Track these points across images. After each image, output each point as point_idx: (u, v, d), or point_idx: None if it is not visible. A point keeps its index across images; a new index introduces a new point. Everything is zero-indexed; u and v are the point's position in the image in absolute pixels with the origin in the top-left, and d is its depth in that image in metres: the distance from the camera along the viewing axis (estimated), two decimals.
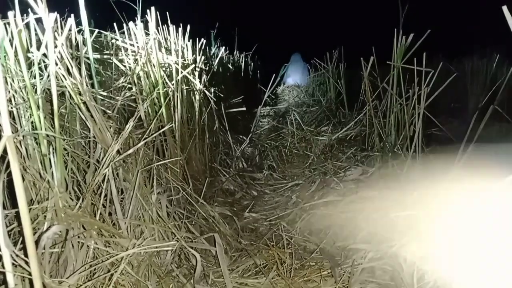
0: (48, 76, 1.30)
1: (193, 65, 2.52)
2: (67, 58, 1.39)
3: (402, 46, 2.49)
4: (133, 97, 2.07)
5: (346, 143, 3.20)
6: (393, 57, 2.54)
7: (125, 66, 2.10)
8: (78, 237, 1.31)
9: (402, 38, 2.49)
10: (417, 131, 2.35)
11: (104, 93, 1.66)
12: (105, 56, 2.14)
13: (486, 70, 3.95)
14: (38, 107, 1.26)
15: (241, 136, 3.76)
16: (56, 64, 1.33)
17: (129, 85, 2.09)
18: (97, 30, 1.99)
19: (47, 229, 1.22)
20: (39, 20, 1.34)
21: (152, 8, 2.06)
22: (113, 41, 2.15)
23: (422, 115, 2.32)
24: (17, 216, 1.24)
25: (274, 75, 3.62)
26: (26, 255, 0.97)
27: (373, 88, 2.77)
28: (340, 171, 2.68)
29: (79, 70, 1.49)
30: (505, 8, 1.12)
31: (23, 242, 0.97)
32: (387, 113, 2.64)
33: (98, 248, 1.35)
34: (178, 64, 2.28)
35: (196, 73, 2.72)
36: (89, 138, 1.51)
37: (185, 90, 2.52)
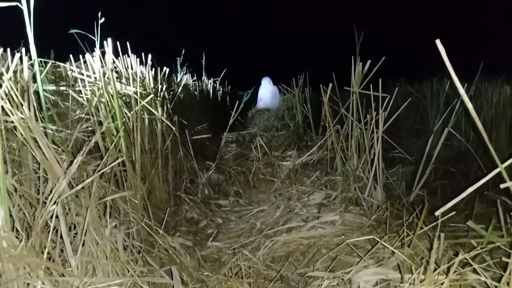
0: None
1: (152, 95, 2.52)
2: (15, 93, 1.37)
3: (359, 73, 2.56)
4: (90, 128, 2.04)
5: (311, 167, 3.23)
6: (351, 83, 2.61)
7: (82, 97, 2.09)
8: (24, 277, 1.27)
9: (359, 65, 2.56)
10: (376, 154, 2.40)
11: (54, 127, 1.63)
12: (61, 88, 2.11)
13: (440, 93, 4.11)
14: None
15: (208, 162, 3.74)
16: (2, 99, 1.31)
17: (87, 116, 2.07)
18: (51, 62, 1.98)
19: None
20: None
21: (109, 39, 2.06)
22: (69, 72, 2.14)
23: (381, 138, 2.38)
24: None
25: (237, 101, 3.66)
26: None
27: (335, 113, 2.82)
28: (304, 196, 2.69)
29: (29, 104, 1.47)
30: (438, 42, 1.17)
31: None
32: (348, 137, 2.68)
33: None
34: (137, 94, 2.27)
35: (158, 102, 2.72)
36: (39, 173, 1.47)
37: (146, 119, 2.51)
